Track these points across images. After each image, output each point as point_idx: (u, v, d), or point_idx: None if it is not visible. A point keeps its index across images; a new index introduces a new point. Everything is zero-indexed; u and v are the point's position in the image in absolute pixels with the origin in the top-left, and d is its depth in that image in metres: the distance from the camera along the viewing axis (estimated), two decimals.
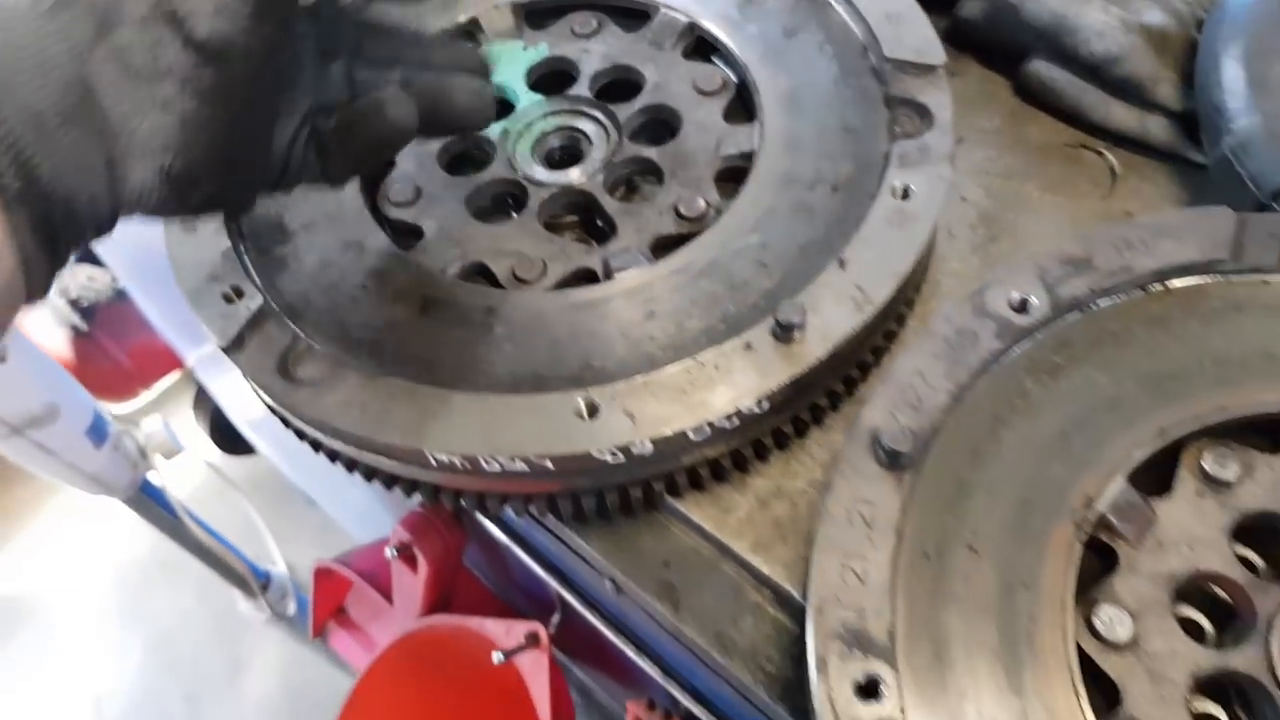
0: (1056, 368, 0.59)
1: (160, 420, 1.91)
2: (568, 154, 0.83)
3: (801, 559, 0.65)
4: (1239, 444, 0.57)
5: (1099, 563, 0.54)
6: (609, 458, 0.62)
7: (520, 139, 0.83)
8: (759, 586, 0.67)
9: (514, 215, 0.78)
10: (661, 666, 0.81)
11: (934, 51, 0.77)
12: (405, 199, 0.80)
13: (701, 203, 0.75)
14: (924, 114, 0.74)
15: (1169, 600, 0.52)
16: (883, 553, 0.53)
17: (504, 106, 0.85)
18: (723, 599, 0.67)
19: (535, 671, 0.95)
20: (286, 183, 0.63)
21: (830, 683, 0.49)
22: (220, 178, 0.55)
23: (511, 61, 0.87)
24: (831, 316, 0.64)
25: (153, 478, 1.99)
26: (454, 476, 0.66)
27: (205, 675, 2.68)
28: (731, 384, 0.62)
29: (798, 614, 0.63)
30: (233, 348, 0.69)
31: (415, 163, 0.82)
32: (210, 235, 0.75)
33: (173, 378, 2.84)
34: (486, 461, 0.62)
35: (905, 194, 0.69)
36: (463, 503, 0.70)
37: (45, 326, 2.47)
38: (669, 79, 0.84)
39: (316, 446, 0.73)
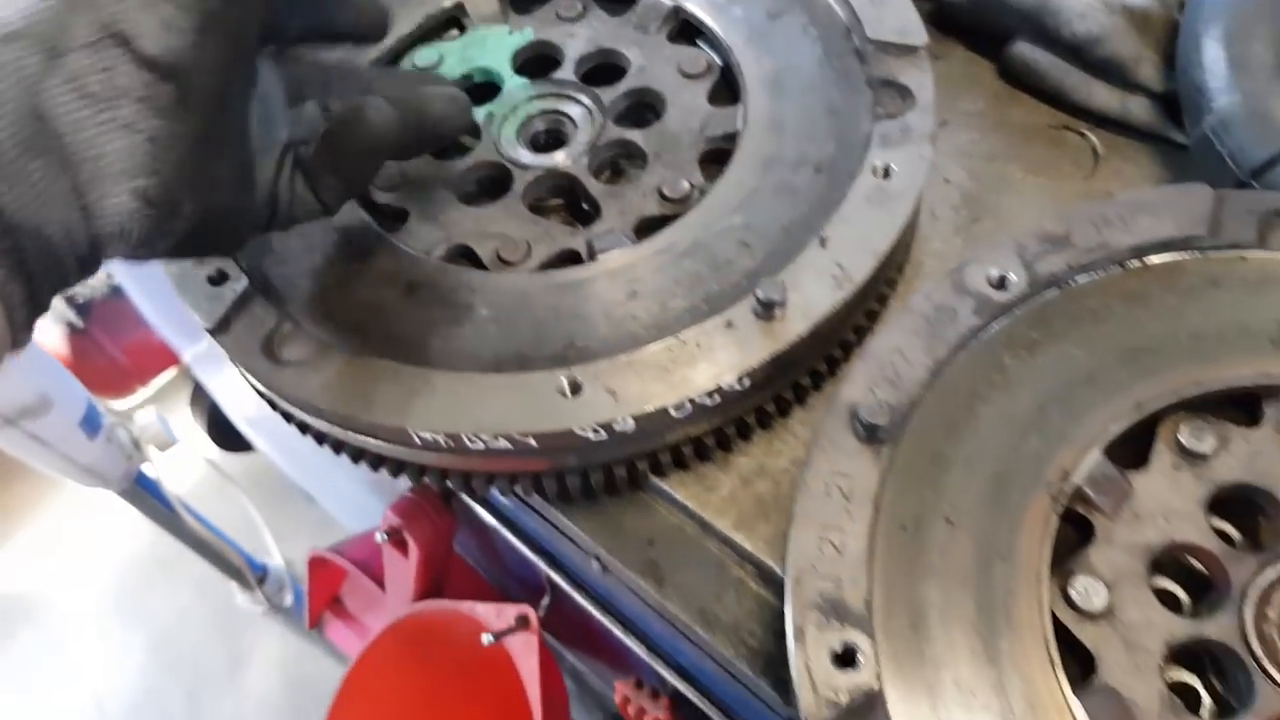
0: (1034, 343, 0.60)
1: (154, 412, 1.91)
2: (552, 137, 0.84)
3: (783, 535, 0.64)
4: (1215, 417, 0.57)
5: (1075, 535, 0.55)
6: (591, 435, 0.62)
7: (505, 122, 0.84)
8: (742, 563, 0.67)
9: (499, 198, 0.78)
10: (648, 645, 0.81)
11: (916, 33, 0.77)
12: (390, 183, 0.80)
13: (685, 184, 0.76)
14: (905, 94, 0.75)
15: (1144, 571, 0.53)
16: (860, 524, 0.53)
17: (489, 90, 0.86)
18: (706, 576, 0.68)
19: (525, 653, 0.95)
20: (280, 221, 0.63)
21: (808, 651, 0.50)
22: (201, 197, 0.54)
23: (497, 45, 0.87)
24: (812, 294, 0.64)
25: (148, 470, 1.99)
26: (439, 455, 0.66)
27: (205, 672, 2.69)
28: (713, 361, 0.63)
29: (780, 589, 0.63)
30: (218, 330, 0.69)
31: None
32: None
33: (169, 375, 2.84)
34: (470, 439, 0.63)
35: (886, 173, 0.69)
36: (449, 483, 0.71)
37: (41, 323, 2.48)
38: (654, 62, 0.84)
39: (304, 428, 0.73)
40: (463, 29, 0.91)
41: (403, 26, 0.89)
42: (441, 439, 0.63)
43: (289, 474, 2.26)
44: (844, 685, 0.48)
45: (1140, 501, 0.55)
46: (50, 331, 2.53)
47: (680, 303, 0.68)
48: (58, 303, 2.44)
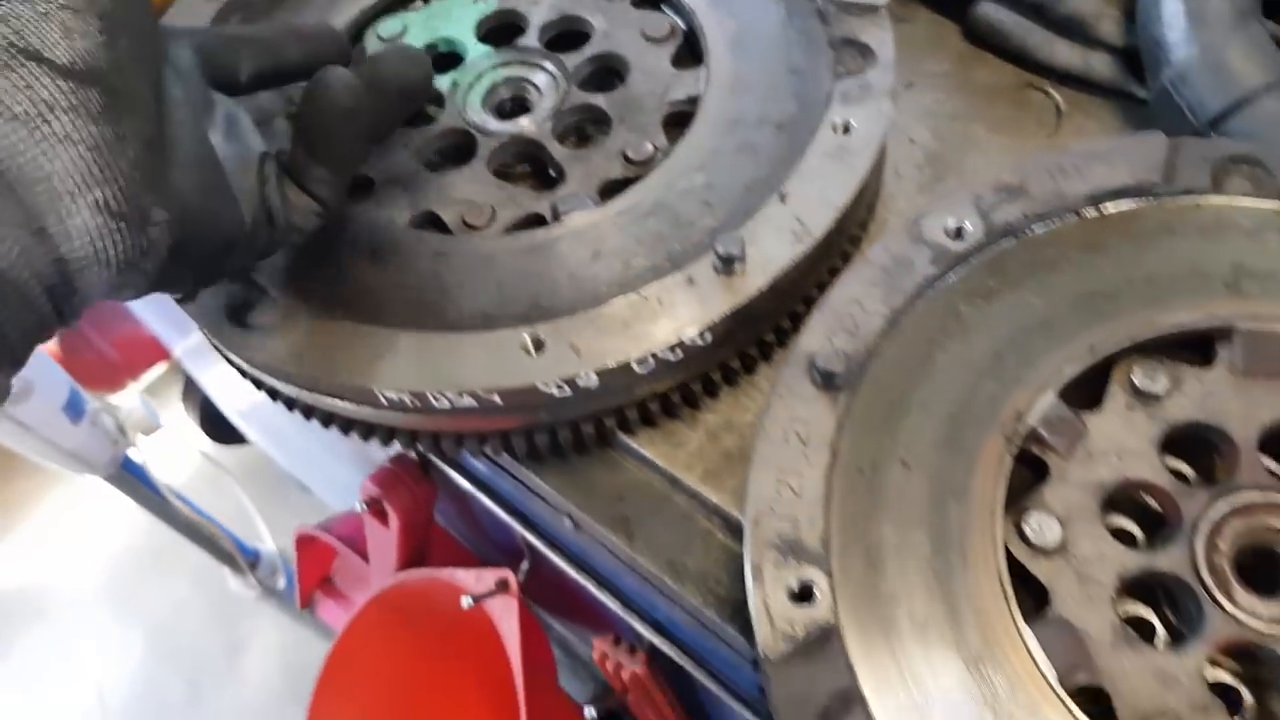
0: (990, 291, 0.61)
1: (138, 397, 1.92)
2: (517, 104, 0.84)
3: None
4: (1169, 359, 0.58)
5: (1031, 475, 0.56)
6: (555, 391, 0.63)
7: (470, 90, 0.84)
8: (709, 515, 0.68)
9: (464, 165, 0.79)
10: (623, 601, 0.82)
11: None
12: None
13: (649, 146, 0.76)
14: (866, 53, 0.75)
15: (1098, 507, 0.54)
16: (817, 468, 0.54)
17: (454, 60, 0.86)
18: (675, 529, 0.68)
19: (505, 615, 0.96)
20: (281, 231, 0.62)
21: (765, 589, 0.51)
22: (169, 203, 0.52)
23: (461, 15, 0.87)
24: (771, 248, 0.65)
25: (134, 455, 2.00)
26: (406, 416, 0.67)
27: (205, 661, 2.69)
28: (673, 316, 0.63)
29: None
30: (185, 298, 0.70)
31: None
32: None
33: (160, 369, 2.84)
34: (435, 398, 0.63)
35: (846, 129, 0.70)
36: (419, 445, 0.71)
37: None
38: (617, 27, 0.84)
39: (274, 394, 0.74)
40: None
41: None
42: (407, 398, 0.64)
43: (282, 464, 2.27)
44: (800, 620, 0.49)
45: (1094, 441, 0.56)
46: None
47: (643, 261, 0.69)
48: None
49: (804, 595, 0.50)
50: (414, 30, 0.87)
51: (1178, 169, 0.63)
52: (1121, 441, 0.55)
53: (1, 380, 0.48)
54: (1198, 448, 0.57)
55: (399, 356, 0.64)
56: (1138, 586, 0.53)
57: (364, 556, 1.32)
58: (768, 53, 0.79)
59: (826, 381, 0.57)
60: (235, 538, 2.37)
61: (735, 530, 0.66)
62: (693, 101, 0.78)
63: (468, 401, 0.63)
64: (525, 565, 0.97)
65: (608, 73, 0.84)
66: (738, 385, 0.72)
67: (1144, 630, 0.54)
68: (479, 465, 0.86)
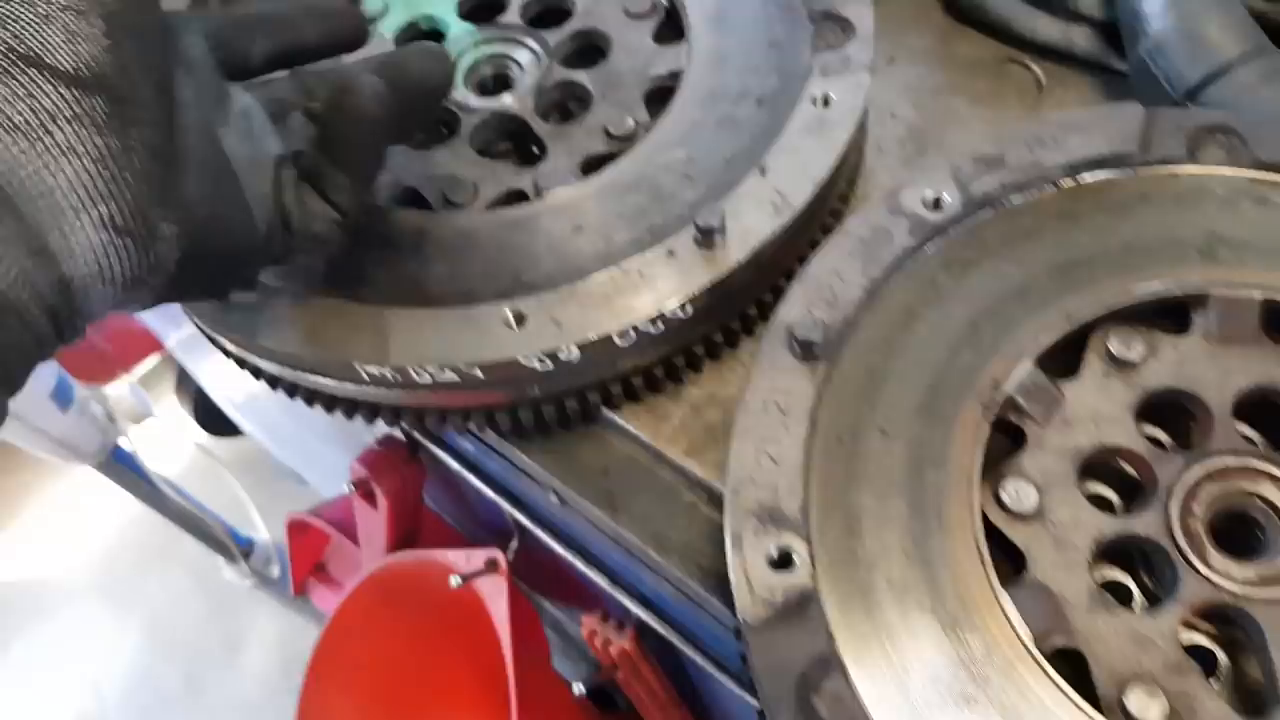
0: (968, 261, 0.61)
1: (128, 385, 1.91)
2: (499, 81, 0.84)
3: None
4: (1145, 327, 0.58)
5: (1008, 442, 0.56)
6: (537, 365, 0.63)
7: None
8: (693, 488, 0.68)
9: (446, 142, 0.79)
10: (609, 577, 0.83)
11: None
12: None
13: (630, 122, 0.76)
14: (846, 26, 0.75)
15: (1074, 474, 0.54)
16: (796, 437, 0.55)
17: (435, 38, 0.86)
18: (659, 502, 0.69)
19: (495, 595, 0.97)
20: (300, 239, 0.58)
21: (745, 556, 0.51)
22: (179, 216, 0.49)
23: None
24: (751, 221, 0.65)
25: (125, 444, 2.00)
26: (388, 392, 0.67)
27: (203, 653, 2.70)
28: (654, 289, 0.64)
29: None
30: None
31: None
32: None
33: (153, 361, 2.83)
34: (416, 373, 0.63)
35: (825, 102, 0.70)
36: (402, 422, 0.71)
37: None
38: (599, 4, 0.84)
39: (257, 373, 0.74)
40: None
41: None
42: (389, 374, 0.64)
43: (276, 454, 2.27)
44: (779, 586, 0.50)
45: (1071, 408, 0.56)
46: None
47: (624, 235, 0.69)
48: None
49: (783, 562, 0.51)
50: (396, 8, 0.87)
51: (1153, 139, 0.63)
52: (1098, 409, 0.56)
53: None
54: (1173, 414, 0.57)
55: (380, 332, 0.64)
56: (1114, 551, 0.53)
57: (355, 541, 1.32)
58: (749, 27, 0.79)
59: (805, 352, 0.57)
60: (228, 526, 2.38)
61: (719, 502, 0.67)
62: (674, 76, 0.78)
63: (449, 376, 0.64)
64: (514, 545, 0.97)
65: (589, 49, 0.84)
66: (720, 359, 0.72)
67: (1120, 594, 0.54)
68: (465, 444, 0.86)
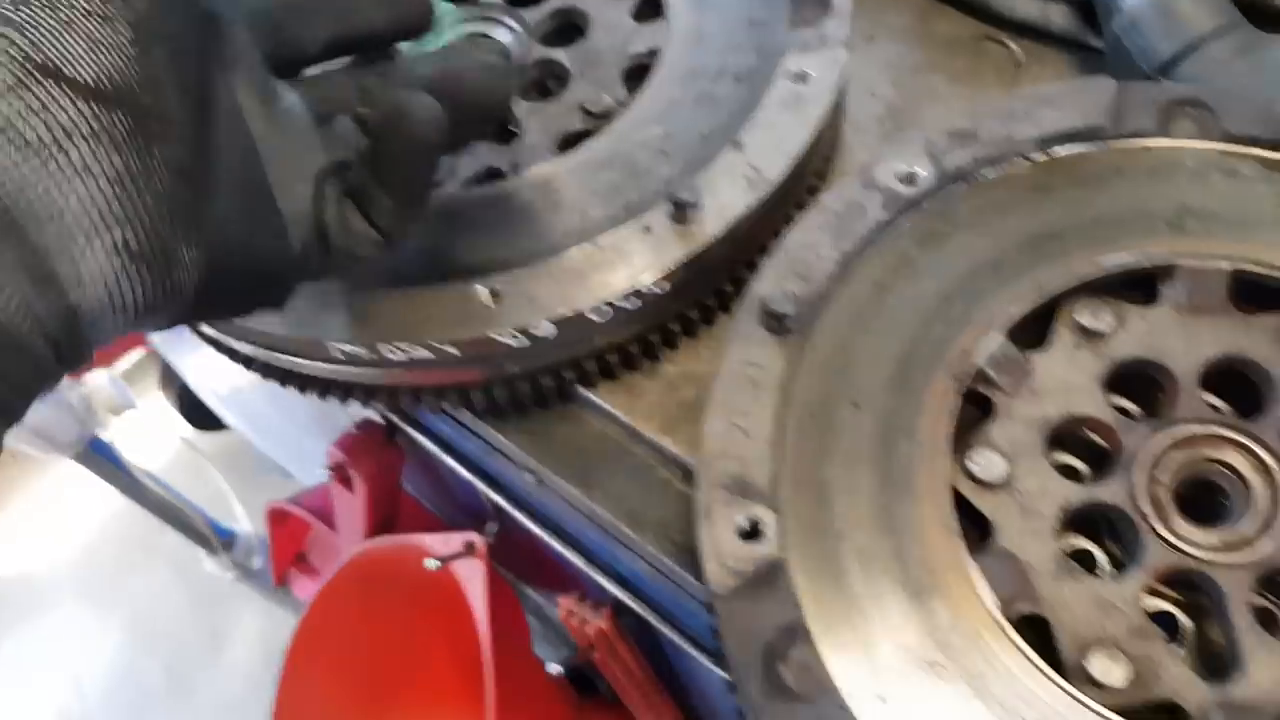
0: (940, 235, 0.61)
1: (106, 376, 1.90)
2: None
3: None
4: (1114, 298, 0.59)
5: (978, 413, 0.56)
6: (512, 341, 0.63)
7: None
8: (667, 465, 0.69)
9: None
10: (586, 557, 0.83)
11: None
12: None
13: (608, 99, 0.76)
14: (823, 3, 0.75)
15: (1042, 443, 0.54)
16: (767, 410, 0.55)
17: None
18: (634, 480, 0.69)
19: (472, 578, 0.97)
20: (339, 258, 0.55)
21: (714, 527, 0.51)
22: (202, 240, 0.46)
23: None
24: (727, 196, 0.65)
25: (104, 435, 1.98)
26: (361, 370, 0.67)
27: (185, 649, 2.68)
28: (629, 264, 0.64)
29: None
30: None
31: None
32: None
33: (137, 355, 2.81)
34: (390, 350, 0.63)
35: (802, 78, 0.70)
36: (376, 403, 0.71)
37: None
38: None
39: (232, 354, 0.74)
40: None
41: None
42: (362, 351, 0.64)
43: (260, 447, 2.26)
44: (748, 557, 0.50)
45: (1039, 379, 0.56)
46: None
47: (600, 212, 0.69)
48: None
49: (752, 533, 0.51)
50: None
51: (1125, 113, 0.64)
52: (1066, 379, 0.56)
53: None
54: (1141, 384, 0.58)
55: (353, 309, 0.64)
56: (1081, 519, 0.54)
57: (334, 528, 1.32)
58: (728, 5, 0.79)
59: (778, 325, 0.58)
60: (209, 517, 2.37)
61: (692, 479, 0.67)
62: (653, 54, 0.78)
63: (424, 354, 0.64)
64: (492, 528, 0.97)
65: (568, 27, 0.84)
66: (697, 337, 0.72)
67: (1088, 562, 0.54)
68: (442, 425, 0.86)
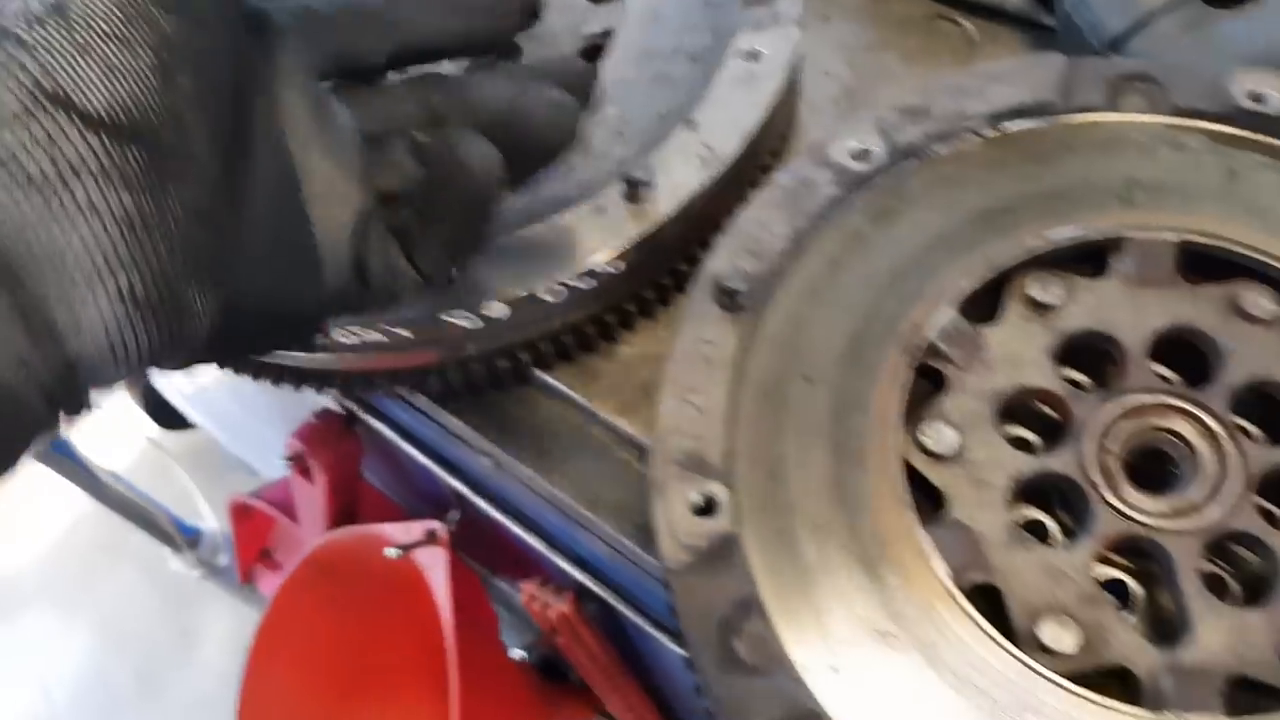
0: (892, 211, 0.61)
1: None
2: None
3: None
4: (1064, 271, 0.59)
5: (930, 387, 0.56)
6: (464, 323, 0.63)
7: None
8: (625, 446, 0.69)
9: None
10: (547, 541, 0.83)
11: None
12: None
13: None
14: None
15: (993, 415, 0.55)
16: (720, 386, 0.55)
17: None
18: (592, 461, 0.69)
19: (434, 566, 0.96)
20: (378, 296, 0.51)
21: (669, 503, 0.51)
22: (219, 285, 0.43)
23: None
24: (680, 175, 0.65)
25: (65, 434, 1.96)
26: (315, 356, 0.66)
27: (154, 650, 2.65)
28: (584, 244, 0.64)
29: None
30: None
31: None
32: None
33: None
34: (343, 335, 0.63)
35: (754, 56, 0.70)
36: (332, 388, 0.71)
37: None
38: None
39: None
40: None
41: None
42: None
43: (227, 445, 2.24)
44: (702, 532, 0.50)
45: (991, 352, 0.57)
46: None
47: (553, 192, 0.68)
48: None
49: (706, 509, 0.51)
50: None
51: (1075, 88, 0.64)
52: (1017, 351, 0.57)
53: None
54: (1091, 356, 0.58)
55: None
56: (1032, 490, 0.54)
57: (296, 520, 1.31)
58: None
59: (731, 302, 0.57)
60: (174, 516, 2.34)
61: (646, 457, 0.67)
62: (607, 35, 0.78)
63: (375, 337, 0.63)
64: (453, 515, 0.97)
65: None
66: (654, 318, 0.72)
67: (1040, 532, 0.55)
68: (399, 412, 0.86)
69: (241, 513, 1.62)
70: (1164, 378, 0.57)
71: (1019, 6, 0.85)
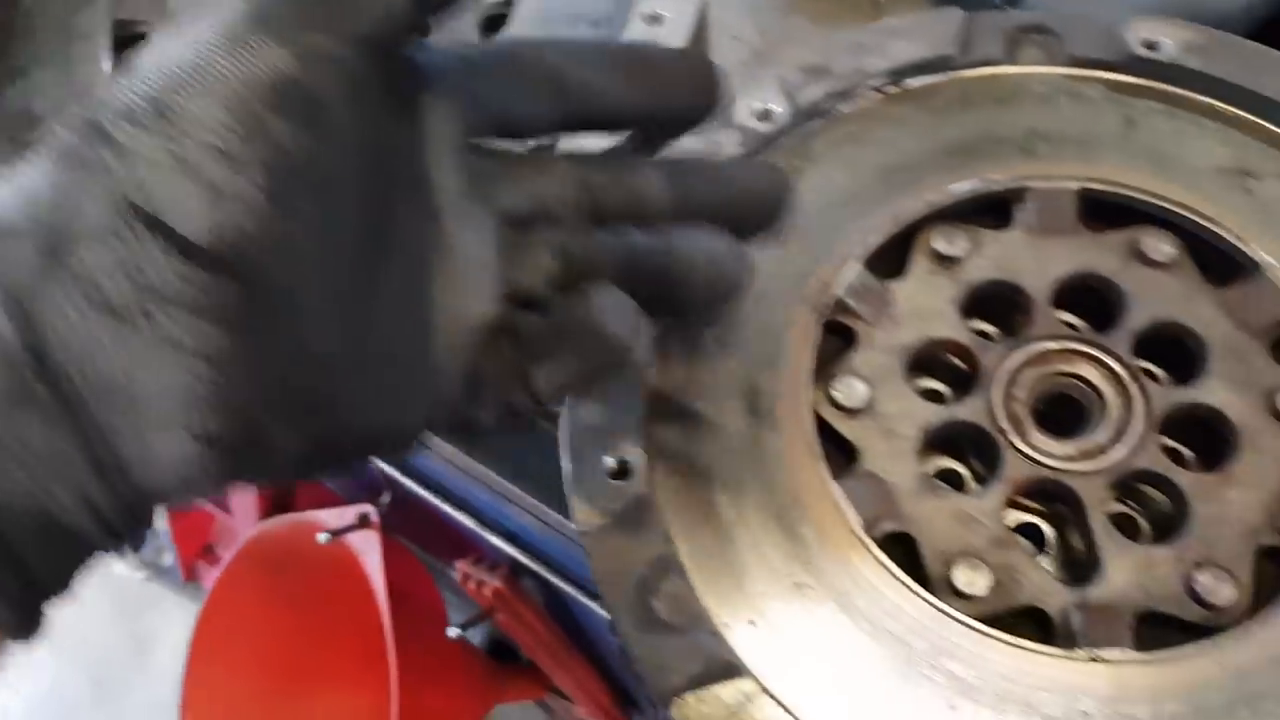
0: (797, 170, 0.61)
1: None
2: None
3: None
4: (969, 224, 0.60)
5: (840, 343, 0.57)
6: None
7: None
8: (548, 417, 0.68)
9: None
10: (478, 518, 0.82)
11: None
12: None
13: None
14: None
15: (903, 368, 0.55)
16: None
17: None
18: (516, 436, 0.68)
19: (367, 550, 0.96)
20: (486, 413, 0.43)
21: (584, 469, 0.51)
22: (308, 423, 0.37)
23: None
24: (584, 141, 0.64)
25: None
26: None
27: (108, 658, 2.59)
28: None
29: None
30: None
31: None
32: None
33: None
34: None
35: (656, 19, 0.70)
36: None
37: None
38: None
39: None
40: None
41: None
42: None
43: None
44: (618, 494, 0.50)
45: (899, 306, 0.57)
46: None
47: None
48: None
49: (621, 472, 0.51)
50: None
51: (973, 41, 0.65)
52: (925, 305, 0.57)
53: (30, 627, 0.37)
54: (999, 306, 0.59)
55: None
56: (944, 439, 0.55)
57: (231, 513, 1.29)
58: None
59: None
60: None
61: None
62: (508, 4, 0.77)
63: None
64: (385, 498, 0.96)
65: None
66: None
67: (955, 481, 0.56)
68: None
69: (178, 510, 1.59)
70: (1070, 325, 0.58)
71: None
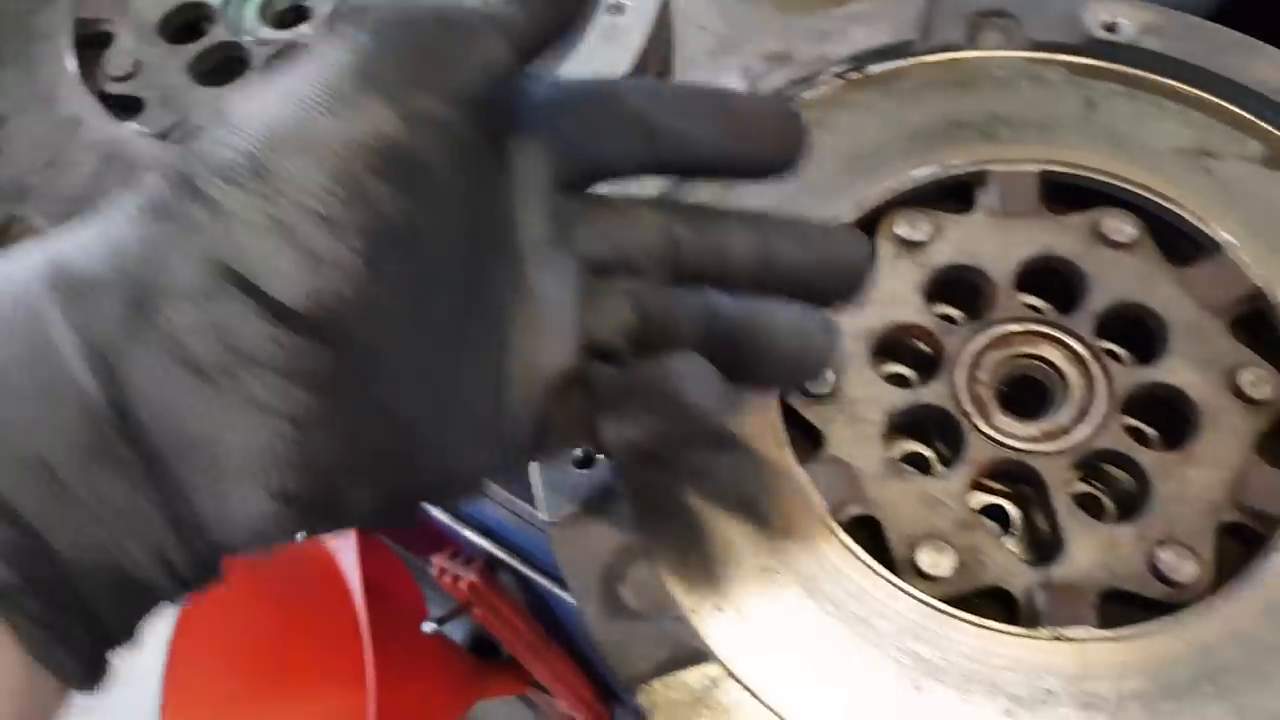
0: None
1: None
2: (298, 13, 0.81)
3: None
4: (931, 209, 0.60)
5: None
6: None
7: (245, 4, 0.81)
8: None
9: (239, 76, 0.76)
10: (452, 512, 0.82)
11: None
12: (124, 72, 0.76)
13: None
14: None
15: (868, 353, 0.56)
16: None
17: None
18: None
19: (343, 548, 0.95)
20: (548, 451, 0.44)
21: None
22: (384, 480, 0.37)
23: None
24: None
25: None
26: None
27: None
28: None
29: None
30: None
31: (135, 36, 0.79)
32: None
33: None
34: None
35: (618, 9, 0.70)
36: None
37: None
38: None
39: None
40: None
41: None
42: None
43: None
44: (583, 484, 0.50)
45: (864, 292, 0.57)
46: None
47: None
48: None
49: (586, 463, 0.51)
50: None
51: (934, 26, 0.65)
52: (888, 289, 0.57)
53: (96, 677, 0.35)
54: (962, 290, 0.59)
55: None
56: (909, 423, 0.55)
57: None
58: None
59: None
60: None
61: None
62: None
63: None
64: None
65: None
66: None
67: (921, 464, 0.56)
68: None
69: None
70: (1033, 307, 0.58)
71: None
